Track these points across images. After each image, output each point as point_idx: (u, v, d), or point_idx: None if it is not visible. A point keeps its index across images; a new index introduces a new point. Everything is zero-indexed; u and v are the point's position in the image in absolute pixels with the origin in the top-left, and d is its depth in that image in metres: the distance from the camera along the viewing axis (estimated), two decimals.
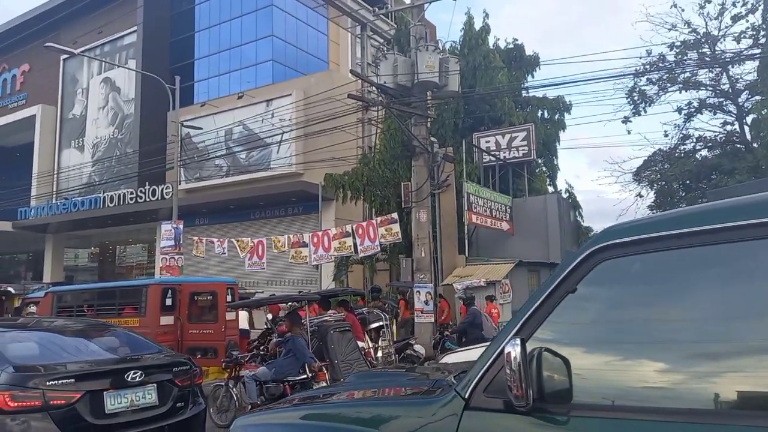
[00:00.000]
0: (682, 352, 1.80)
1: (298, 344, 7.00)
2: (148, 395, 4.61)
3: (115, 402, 4.41)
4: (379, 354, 8.80)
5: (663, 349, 1.83)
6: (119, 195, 25.34)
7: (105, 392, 4.37)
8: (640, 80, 20.43)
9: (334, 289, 12.74)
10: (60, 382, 4.19)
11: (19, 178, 29.11)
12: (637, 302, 1.93)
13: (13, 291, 13.44)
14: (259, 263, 14.81)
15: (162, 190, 24.34)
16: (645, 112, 20.87)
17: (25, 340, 4.89)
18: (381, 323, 9.22)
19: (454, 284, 13.62)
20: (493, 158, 18.68)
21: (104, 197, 25.68)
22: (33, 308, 10.95)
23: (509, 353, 1.78)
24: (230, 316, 9.22)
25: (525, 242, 16.83)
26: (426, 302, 12.68)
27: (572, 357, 1.84)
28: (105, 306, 9.72)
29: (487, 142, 19.13)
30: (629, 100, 20.87)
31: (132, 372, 4.52)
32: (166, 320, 9.01)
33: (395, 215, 13.89)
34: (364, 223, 14.40)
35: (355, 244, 13.85)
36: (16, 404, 4.01)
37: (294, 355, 7.00)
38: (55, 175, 28.68)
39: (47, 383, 4.13)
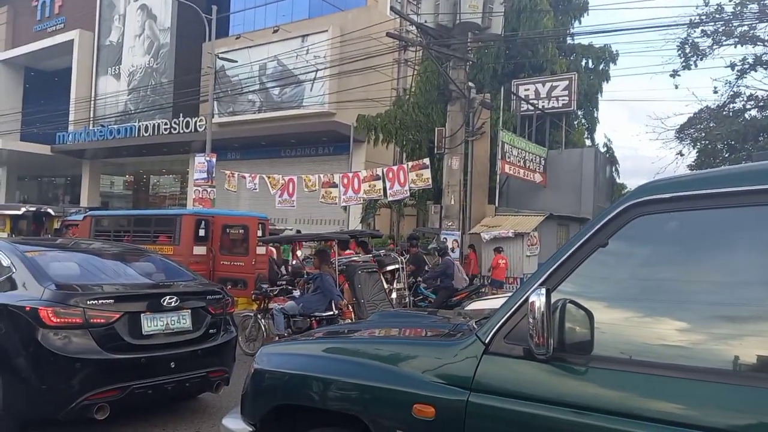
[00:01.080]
0: (707, 313, 1.80)
1: (326, 282, 7.13)
2: (183, 320, 4.75)
3: (151, 324, 4.55)
4: (393, 295, 8.90)
5: (689, 310, 1.83)
6: (154, 125, 25.62)
7: (142, 314, 4.51)
8: (694, 31, 19.30)
9: (352, 231, 12.81)
10: (100, 302, 4.33)
11: (58, 103, 29.56)
12: (669, 261, 1.91)
13: (52, 213, 13.90)
14: (289, 201, 14.95)
15: (195, 122, 24.50)
16: (696, 66, 19.81)
17: (66, 260, 5.05)
18: (396, 266, 9.29)
19: (482, 233, 13.58)
20: (531, 107, 18.14)
21: (139, 126, 26.01)
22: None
23: (533, 302, 1.80)
24: (260, 250, 9.39)
25: (557, 195, 16.55)
26: (452, 249, 12.73)
27: (596, 310, 1.84)
28: (140, 233, 10.00)
29: (527, 90, 18.53)
30: (680, 52, 19.81)
31: (168, 297, 4.65)
32: (199, 250, 9.24)
33: (427, 161, 13.74)
34: (395, 167, 14.31)
35: (384, 188, 13.83)
36: (58, 320, 4.16)
37: (322, 292, 7.15)
38: (92, 102, 29.02)
39: (88, 302, 4.27)
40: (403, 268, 9.06)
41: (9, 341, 4.22)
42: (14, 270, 4.60)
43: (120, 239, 9.90)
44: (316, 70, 21.72)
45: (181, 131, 24.81)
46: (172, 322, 4.69)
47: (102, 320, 4.29)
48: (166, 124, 25.25)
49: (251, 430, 2.72)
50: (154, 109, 26.55)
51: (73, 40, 30.27)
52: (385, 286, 8.25)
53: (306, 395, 2.54)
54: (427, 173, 13.37)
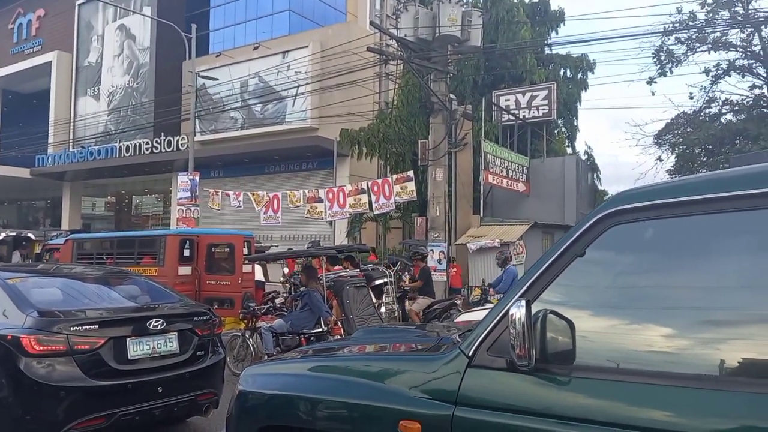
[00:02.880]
0: (688, 319, 1.81)
1: (315, 298, 7.09)
2: (170, 343, 4.68)
3: (137, 348, 4.48)
4: (383, 310, 8.87)
5: (669, 316, 1.85)
6: (135, 145, 25.41)
7: (127, 339, 4.43)
8: (668, 39, 19.75)
9: (340, 245, 12.78)
10: (84, 327, 4.25)
11: (36, 125, 29.20)
12: (647, 268, 1.93)
13: (33, 237, 13.68)
14: (274, 217, 14.86)
15: (177, 141, 24.34)
16: (671, 72, 20.26)
17: (48, 286, 4.97)
18: (384, 280, 9.26)
19: (468, 244, 13.62)
20: (512, 117, 18.34)
21: (120, 147, 25.77)
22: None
23: (513, 314, 1.81)
24: (246, 268, 9.31)
25: (540, 204, 16.70)
26: (439, 261, 12.74)
27: (577, 320, 1.86)
28: (124, 254, 9.86)
29: (507, 100, 18.74)
30: (655, 59, 20.24)
31: (154, 320, 4.58)
32: (184, 270, 9.13)
33: (411, 173, 13.78)
34: (380, 181, 14.32)
35: (370, 201, 13.83)
36: (41, 348, 4.08)
37: (310, 309, 7.10)
38: (72, 123, 28.72)
39: (71, 328, 4.19)
40: (391, 282, 9.03)
41: None
42: None
43: (103, 262, 9.76)
44: (298, 86, 21.76)
45: (163, 150, 24.63)
46: (159, 346, 4.62)
47: (86, 346, 4.21)
48: (147, 143, 25.05)
49: None
50: (135, 129, 26.33)
51: (51, 61, 30.01)
52: (374, 300, 8.22)
53: (292, 415, 2.52)
54: (411, 185, 13.39)
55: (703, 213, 1.76)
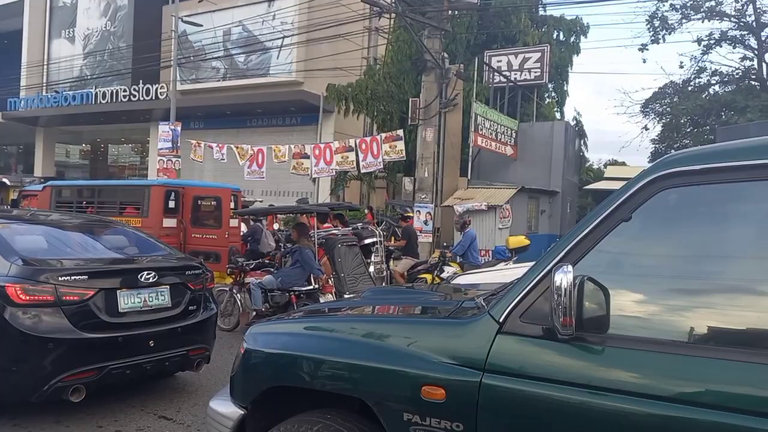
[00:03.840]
0: (732, 291, 1.74)
1: (306, 255, 6.96)
2: (161, 297, 4.57)
3: (128, 301, 4.36)
4: (371, 269, 8.80)
5: (713, 288, 1.77)
6: (112, 92, 24.49)
7: (118, 291, 4.30)
8: (663, 5, 19.54)
9: (332, 203, 12.61)
10: (72, 278, 4.10)
11: (8, 68, 27.87)
12: (698, 237, 1.84)
13: (8, 183, 13.18)
14: (258, 172, 14.55)
15: (156, 89, 23.51)
16: (664, 40, 20.13)
17: (32, 234, 4.76)
18: (374, 239, 9.16)
19: (454, 206, 13.56)
20: (503, 79, 18.06)
21: (96, 93, 24.81)
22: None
23: (559, 279, 1.72)
24: (233, 222, 9.12)
25: (527, 168, 16.64)
26: (425, 222, 12.69)
27: (614, 287, 1.80)
28: (106, 204, 9.56)
29: (499, 61, 18.40)
30: (649, 26, 20.05)
31: (145, 272, 4.45)
32: (169, 223, 8.89)
33: (400, 132, 13.53)
34: (368, 139, 14.05)
35: (357, 160, 13.60)
36: (27, 297, 3.93)
37: (301, 266, 6.99)
38: (45, 66, 27.48)
39: (59, 278, 4.05)
40: (381, 241, 8.94)
41: None
42: None
43: (83, 211, 9.45)
44: (283, 37, 21.03)
45: (141, 98, 23.80)
46: (150, 299, 4.49)
47: (75, 297, 4.07)
48: (125, 90, 24.16)
49: (242, 412, 2.58)
50: (112, 75, 25.33)
51: (23, 0, 28.46)
52: (364, 260, 8.13)
53: (303, 377, 2.42)
54: (400, 145, 13.17)
55: (762, 178, 1.65)
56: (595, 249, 1.88)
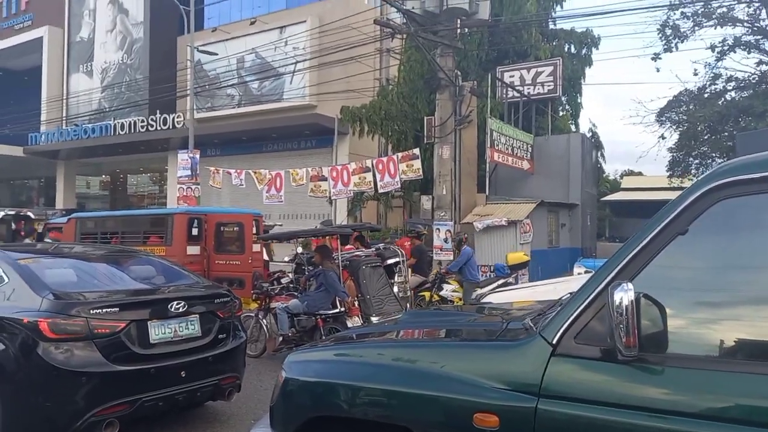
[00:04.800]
0: None
1: (330, 278, 6.92)
2: (191, 326, 4.51)
3: (159, 332, 4.30)
4: (395, 289, 8.72)
5: None
6: (129, 123, 24.94)
7: (149, 322, 4.25)
8: (675, 13, 19.44)
9: (353, 224, 12.62)
10: (103, 310, 4.06)
11: (29, 102, 28.58)
12: (758, 248, 1.75)
13: (33, 216, 13.38)
14: (276, 196, 14.65)
15: (173, 118, 23.89)
16: (677, 49, 19.98)
17: (61, 267, 4.76)
18: (397, 259, 9.10)
19: (474, 223, 13.48)
20: (516, 94, 18.07)
21: (114, 124, 25.29)
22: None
23: (619, 298, 1.66)
24: (255, 247, 9.13)
25: (544, 182, 16.54)
26: (445, 240, 12.61)
27: (672, 304, 1.74)
28: (130, 234, 9.64)
29: (512, 76, 18.44)
30: (661, 35, 19.94)
31: (175, 302, 4.40)
32: (193, 250, 8.93)
33: (416, 151, 13.56)
34: (385, 159, 14.10)
35: (374, 180, 13.62)
36: (59, 332, 3.90)
37: (326, 289, 6.94)
38: (65, 101, 28.12)
39: (91, 311, 4.00)
40: (403, 261, 8.88)
41: (7, 357, 3.90)
42: (7, 279, 4.28)
43: (107, 241, 9.53)
44: (296, 62, 21.32)
45: (159, 128, 24.20)
46: (181, 329, 4.44)
47: (107, 330, 4.02)
48: (142, 121, 24.59)
49: None
50: (130, 107, 25.81)
51: (42, 37, 29.28)
52: (389, 281, 8.07)
53: (347, 406, 2.34)
54: (417, 163, 13.20)
55: None
56: (650, 264, 1.81)
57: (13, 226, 12.93)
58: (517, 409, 1.89)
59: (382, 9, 20.96)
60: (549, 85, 17.99)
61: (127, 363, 4.07)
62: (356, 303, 7.24)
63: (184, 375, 4.34)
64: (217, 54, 21.14)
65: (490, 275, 10.34)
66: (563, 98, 20.16)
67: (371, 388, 2.26)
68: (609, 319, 1.71)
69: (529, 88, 18.18)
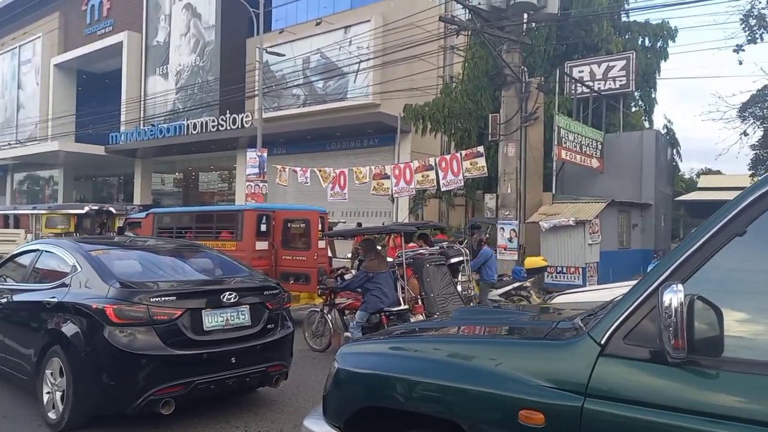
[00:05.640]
0: None
1: (373, 280, 6.85)
2: (242, 316, 4.78)
3: (212, 320, 4.59)
4: (459, 288, 8.62)
5: None
6: (201, 123, 26.01)
7: (203, 311, 4.54)
8: (760, 2, 18.19)
9: (416, 222, 12.61)
10: (162, 299, 4.39)
11: (110, 104, 30.37)
12: None
13: (114, 211, 14.22)
14: (341, 194, 14.86)
15: (242, 118, 24.70)
16: (762, 39, 18.70)
17: (128, 258, 5.18)
18: (460, 258, 8.99)
19: (540, 222, 13.16)
20: (586, 90, 17.46)
21: (187, 124, 26.44)
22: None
23: (668, 299, 1.65)
24: (320, 244, 9.29)
25: (615, 181, 15.89)
26: (510, 239, 12.38)
27: (728, 307, 1.72)
28: (203, 229, 10.04)
29: (581, 71, 17.82)
30: (744, 25, 18.71)
31: (227, 293, 4.67)
32: (261, 245, 9.20)
33: (481, 149, 13.39)
34: (448, 157, 14.01)
35: (437, 178, 13.57)
36: (123, 317, 4.25)
37: (371, 291, 6.87)
38: (142, 102, 29.68)
39: (151, 299, 4.34)
40: (467, 260, 8.78)
41: (78, 338, 4.34)
42: (80, 269, 4.71)
43: (182, 236, 9.97)
44: (360, 62, 21.53)
45: (228, 128, 25.10)
46: (232, 318, 4.73)
47: (165, 317, 4.35)
48: (213, 121, 25.60)
49: None
50: (202, 107, 26.94)
51: (121, 42, 31.00)
52: (452, 280, 8.01)
53: (395, 398, 2.41)
54: (481, 161, 13.04)
55: None
56: (705, 266, 1.78)
57: (96, 220, 13.81)
58: (563, 408, 1.89)
59: (446, 6, 20.81)
60: (621, 80, 17.26)
61: (182, 348, 4.36)
62: (419, 301, 7.22)
63: (234, 361, 4.61)
64: (284, 55, 21.68)
65: (507, 277, 10.07)
66: (636, 93, 19.28)
67: (419, 381, 2.32)
68: (658, 321, 1.70)
69: (599, 84, 17.51)
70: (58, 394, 4.44)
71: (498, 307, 4.38)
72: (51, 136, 31.33)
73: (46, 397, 4.57)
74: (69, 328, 4.39)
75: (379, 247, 8.39)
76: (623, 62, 17.24)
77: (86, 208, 14.10)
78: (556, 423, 1.90)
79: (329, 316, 7.39)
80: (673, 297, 1.64)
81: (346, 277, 8.95)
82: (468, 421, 2.14)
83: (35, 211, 14.12)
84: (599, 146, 16.33)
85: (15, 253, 5.96)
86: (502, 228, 12.49)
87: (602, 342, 1.89)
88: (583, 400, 1.86)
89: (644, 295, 1.85)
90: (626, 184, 15.88)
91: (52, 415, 4.48)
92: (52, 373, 4.51)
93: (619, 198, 14.82)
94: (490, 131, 14.95)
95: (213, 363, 4.49)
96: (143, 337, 4.27)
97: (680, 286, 1.65)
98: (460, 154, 13.47)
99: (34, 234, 12.81)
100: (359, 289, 7.04)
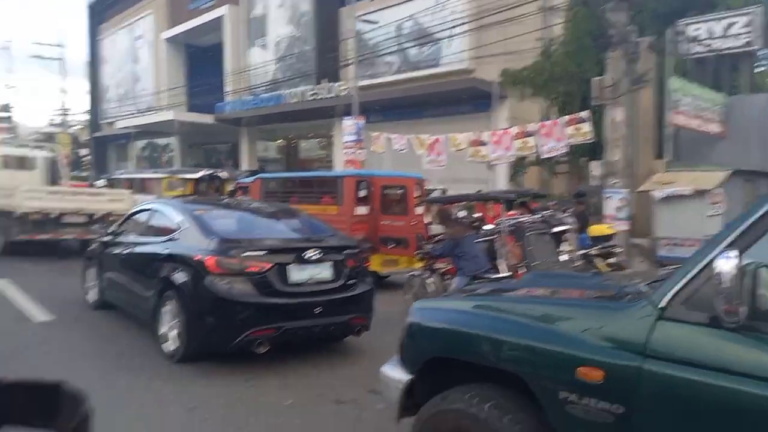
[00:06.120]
0: None
1: (459, 246, 6.83)
2: (325, 271, 5.34)
3: (297, 274, 5.17)
4: (563, 258, 8.35)
5: None
6: (299, 92, 26.73)
7: (289, 265, 5.11)
8: None
9: (516, 190, 12.34)
10: (255, 253, 5.00)
11: (216, 75, 31.96)
12: None
13: (224, 176, 15.16)
14: (437, 161, 14.83)
15: (338, 87, 25.09)
16: None
17: (227, 218, 5.92)
18: (565, 227, 8.68)
19: (653, 191, 12.40)
20: (703, 49, 15.96)
21: (286, 94, 27.30)
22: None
23: (721, 265, 1.71)
24: (418, 210, 9.38)
25: (738, 147, 14.50)
26: (618, 209, 11.78)
27: None
28: (306, 194, 10.46)
29: (697, 29, 16.26)
30: None
31: (312, 251, 5.21)
32: (361, 210, 9.44)
33: (585, 113, 12.77)
34: (549, 122, 13.50)
35: (537, 145, 13.13)
36: (221, 268, 4.88)
37: (462, 258, 6.83)
38: (244, 73, 30.94)
39: (245, 253, 4.95)
40: (572, 229, 8.49)
41: (186, 285, 5.03)
42: (187, 226, 5.43)
43: (286, 200, 10.44)
44: (453, 26, 21.03)
45: (324, 97, 25.61)
46: (316, 273, 5.28)
47: (256, 269, 4.95)
48: (310, 90, 26.22)
49: (410, 378, 2.88)
50: (299, 77, 27.63)
51: (222, 15, 32.28)
52: (555, 249, 7.80)
53: (463, 350, 2.65)
54: (585, 127, 12.47)
55: None
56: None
57: (210, 185, 14.79)
58: (622, 367, 2.00)
59: None
60: (745, 38, 15.58)
61: (272, 297, 4.99)
62: (520, 269, 7.13)
63: (318, 311, 5.19)
64: (377, 22, 21.63)
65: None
66: (763, 52, 17.37)
67: (487, 336, 2.50)
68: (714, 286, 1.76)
69: (719, 42, 15.93)
70: (173, 332, 5.16)
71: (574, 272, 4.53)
72: (166, 106, 33.58)
73: (161, 333, 5.32)
74: (179, 277, 5.11)
75: (479, 214, 8.33)
76: (747, 18, 15.51)
77: (200, 173, 15.14)
78: (615, 380, 2.01)
79: (430, 280, 7.50)
80: (726, 263, 1.69)
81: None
82: (530, 376, 2.29)
83: (157, 176, 15.39)
84: (720, 110, 14.96)
85: (132, 211, 6.87)
86: (610, 197, 11.90)
87: (662, 306, 1.97)
88: (643, 360, 1.95)
89: (705, 262, 1.91)
90: (753, 151, 14.47)
91: (168, 348, 5.23)
92: (167, 314, 5.25)
93: (745, 166, 13.55)
94: (594, 95, 14.16)
95: (299, 311, 5.09)
96: (238, 286, 4.88)
97: (734, 253, 1.70)
98: (563, 119, 12.93)
99: (156, 196, 14.00)
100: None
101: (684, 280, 1.95)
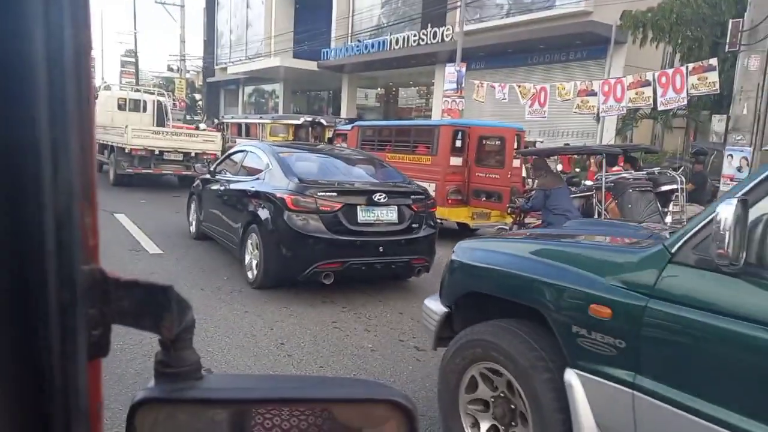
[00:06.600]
0: None
1: (552, 197, 6.59)
2: (390, 213, 5.75)
3: (365, 215, 5.63)
4: (669, 219, 7.78)
5: None
6: (403, 37, 26.32)
7: (358, 206, 5.59)
8: None
9: (624, 145, 11.54)
10: (327, 194, 5.47)
11: (322, 22, 32.27)
12: None
13: (324, 123, 15.53)
14: (539, 111, 14.15)
15: (442, 32, 24.40)
16: None
17: (309, 161, 6.35)
18: (674, 186, 8.01)
19: None
20: None
21: (390, 39, 27.00)
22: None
23: (721, 211, 1.77)
24: (515, 162, 9.09)
25: None
26: (739, 169, 10.68)
27: None
28: (400, 142, 10.48)
29: None
30: None
31: (379, 194, 5.65)
32: (455, 161, 9.32)
33: (714, 61, 11.49)
34: (670, 71, 12.31)
35: (654, 96, 12.08)
36: (297, 205, 5.40)
37: (553, 210, 6.59)
38: (350, 18, 30.94)
39: (318, 194, 5.44)
40: (682, 189, 7.85)
41: (267, 218, 5.63)
42: (271, 166, 5.97)
43: (382, 148, 10.54)
44: None
45: (429, 42, 25.05)
46: (382, 215, 5.70)
47: (328, 208, 5.44)
48: (415, 35, 25.73)
49: (447, 310, 3.17)
50: (404, 21, 27.16)
51: None
52: (660, 208, 7.29)
53: (493, 286, 2.91)
54: (712, 76, 11.27)
55: None
56: None
57: (310, 131, 15.25)
58: (628, 305, 2.14)
59: None
60: None
61: (340, 234, 5.48)
62: None
63: (381, 250, 5.62)
64: None
65: None
66: None
67: (512, 273, 2.74)
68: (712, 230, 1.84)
69: None
70: (255, 261, 5.79)
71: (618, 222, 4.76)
72: (273, 53, 34.63)
73: (246, 262, 5.96)
74: (262, 212, 5.69)
75: (578, 170, 7.94)
76: None
77: (301, 120, 15.62)
78: (621, 317, 2.15)
79: None
80: (726, 209, 1.75)
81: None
82: (549, 311, 2.47)
83: (261, 121, 16.11)
84: None
85: (229, 152, 7.63)
86: (731, 155, 10.79)
87: (673, 250, 2.09)
88: (648, 300, 2.07)
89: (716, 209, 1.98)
90: None
91: (250, 275, 5.90)
92: (251, 245, 5.86)
93: None
94: (728, 40, 12.64)
95: (364, 249, 5.55)
96: (312, 222, 5.41)
97: (734, 200, 1.75)
98: (687, 67, 11.74)
99: (260, 139, 14.74)
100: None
101: (697, 227, 2.03)
